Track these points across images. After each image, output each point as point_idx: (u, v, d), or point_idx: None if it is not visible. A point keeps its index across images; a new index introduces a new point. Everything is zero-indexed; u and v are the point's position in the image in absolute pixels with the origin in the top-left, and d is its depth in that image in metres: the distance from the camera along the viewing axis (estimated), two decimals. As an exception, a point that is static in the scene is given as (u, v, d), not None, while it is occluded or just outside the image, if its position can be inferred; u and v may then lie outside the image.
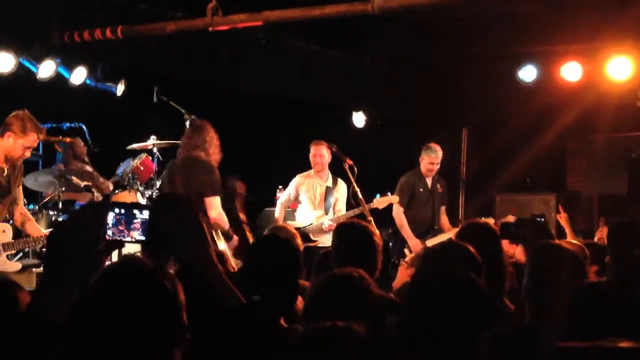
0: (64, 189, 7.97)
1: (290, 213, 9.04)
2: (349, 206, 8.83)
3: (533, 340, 3.34)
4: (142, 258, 2.27)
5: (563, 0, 7.81)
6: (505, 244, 6.42)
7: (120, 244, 2.25)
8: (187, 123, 8.73)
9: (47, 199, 8.13)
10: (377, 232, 5.23)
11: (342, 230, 4.97)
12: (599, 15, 8.49)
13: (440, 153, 9.35)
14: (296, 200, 8.98)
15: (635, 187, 10.94)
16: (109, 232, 2.18)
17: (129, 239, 2.21)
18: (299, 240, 5.99)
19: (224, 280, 2.21)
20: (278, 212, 8.99)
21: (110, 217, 2.18)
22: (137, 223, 2.20)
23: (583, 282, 3.56)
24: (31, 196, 8.39)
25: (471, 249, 3.85)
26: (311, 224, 8.70)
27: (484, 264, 3.77)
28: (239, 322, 2.21)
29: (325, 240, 8.71)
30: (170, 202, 2.24)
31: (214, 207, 7.03)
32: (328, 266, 4.82)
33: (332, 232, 8.68)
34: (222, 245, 6.96)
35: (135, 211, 2.22)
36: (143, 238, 2.22)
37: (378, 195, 8.70)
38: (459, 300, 2.59)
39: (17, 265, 6.82)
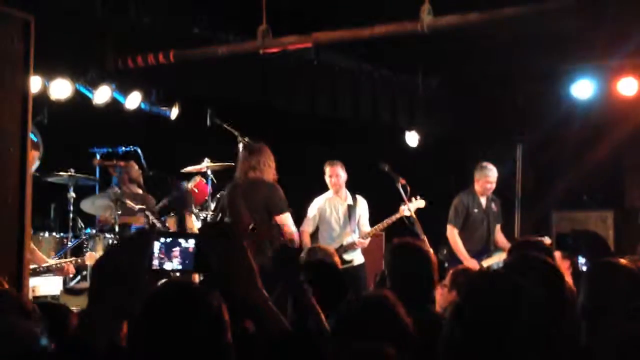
0: (120, 212, 8.07)
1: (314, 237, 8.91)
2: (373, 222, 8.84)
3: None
4: (186, 281, 2.31)
5: (608, 16, 7.69)
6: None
7: (166, 274, 2.25)
8: (240, 145, 8.80)
9: (102, 222, 8.24)
10: (431, 250, 5.19)
11: (397, 250, 4.93)
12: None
13: (495, 172, 9.20)
14: (320, 224, 8.88)
15: None
16: (155, 262, 2.18)
17: (174, 268, 2.21)
18: (336, 258, 5.97)
19: (269, 306, 2.20)
20: (303, 238, 8.69)
21: (157, 247, 2.18)
22: (182, 252, 2.20)
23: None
24: (89, 220, 8.52)
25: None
26: (342, 245, 8.61)
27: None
28: (286, 350, 2.20)
29: (357, 258, 8.66)
30: (216, 230, 2.24)
31: (287, 223, 7.35)
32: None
33: (360, 248, 8.70)
34: None
35: (181, 240, 2.21)
36: (189, 267, 2.22)
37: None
38: (508, 316, 2.53)
39: None
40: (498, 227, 9.40)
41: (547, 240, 8.76)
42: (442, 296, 5.00)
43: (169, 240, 2.19)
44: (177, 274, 2.34)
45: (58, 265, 7.15)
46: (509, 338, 2.47)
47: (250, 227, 7.49)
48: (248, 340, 2.34)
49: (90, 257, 7.25)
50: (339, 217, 8.79)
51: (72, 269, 7.32)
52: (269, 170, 7.49)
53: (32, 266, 6.90)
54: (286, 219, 7.37)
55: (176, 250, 2.19)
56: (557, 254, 5.91)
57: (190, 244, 2.19)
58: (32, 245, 7.14)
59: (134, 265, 2.07)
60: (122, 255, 2.09)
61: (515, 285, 2.68)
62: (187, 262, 2.20)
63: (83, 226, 8.22)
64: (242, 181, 7.52)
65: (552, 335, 3.43)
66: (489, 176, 9.15)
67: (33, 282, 6.87)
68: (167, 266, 2.19)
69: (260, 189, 7.41)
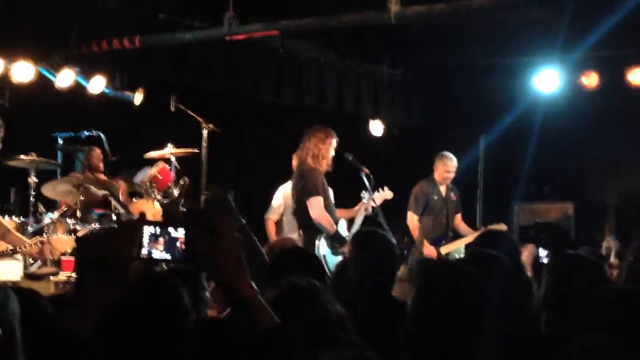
0: (82, 197, 8.01)
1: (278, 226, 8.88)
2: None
3: (549, 349, 3.31)
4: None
5: (571, 9, 7.78)
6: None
7: (155, 263, 2.24)
8: (204, 131, 8.76)
9: (64, 207, 8.16)
10: (395, 241, 5.21)
11: (360, 239, 4.94)
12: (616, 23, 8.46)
13: (455, 161, 9.31)
14: (285, 213, 8.78)
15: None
16: (144, 251, 2.17)
17: (163, 257, 2.20)
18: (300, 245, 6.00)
19: (258, 300, 2.20)
20: (268, 227, 8.78)
21: (146, 236, 2.17)
22: (172, 241, 2.19)
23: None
24: (50, 204, 8.43)
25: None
26: None
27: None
28: (274, 343, 2.20)
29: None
30: (204, 219, 2.23)
31: (311, 207, 7.45)
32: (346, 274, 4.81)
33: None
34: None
35: (171, 229, 2.20)
36: (178, 257, 2.21)
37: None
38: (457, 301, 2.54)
39: None
40: (459, 216, 9.52)
41: (503, 226, 8.92)
42: (399, 289, 5.01)
43: (158, 229, 2.18)
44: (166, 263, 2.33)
45: (34, 245, 7.01)
46: (465, 326, 2.50)
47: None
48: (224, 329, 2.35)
49: (57, 241, 7.15)
50: None
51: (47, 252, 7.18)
52: (308, 157, 7.63)
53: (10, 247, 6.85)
54: (310, 203, 7.46)
55: (165, 240, 2.17)
56: (530, 248, 5.97)
57: (180, 233, 2.18)
58: (7, 225, 7.08)
59: (122, 253, 2.06)
60: (110, 244, 2.08)
61: (468, 275, 2.71)
62: (176, 252, 2.19)
63: (44, 211, 8.13)
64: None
65: (515, 325, 3.48)
66: (447, 165, 9.28)
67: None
68: (156, 255, 2.18)
69: (297, 175, 7.70)
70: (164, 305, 2.24)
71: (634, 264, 4.82)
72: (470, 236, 9.05)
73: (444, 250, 9.05)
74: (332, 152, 7.69)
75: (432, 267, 2.99)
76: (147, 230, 2.15)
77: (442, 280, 2.65)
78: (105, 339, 2.10)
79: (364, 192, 8.25)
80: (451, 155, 9.33)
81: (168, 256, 2.18)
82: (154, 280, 2.29)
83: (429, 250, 8.92)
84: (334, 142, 7.71)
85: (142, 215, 2.16)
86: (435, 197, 9.31)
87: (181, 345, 2.24)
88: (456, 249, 9.05)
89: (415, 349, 2.48)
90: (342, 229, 7.90)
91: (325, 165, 7.65)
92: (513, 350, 3.05)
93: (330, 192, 8.63)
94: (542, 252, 6.15)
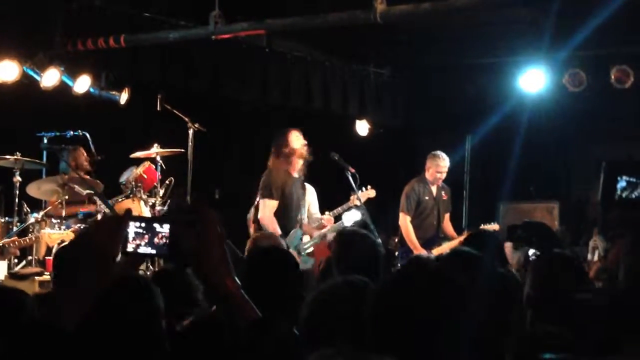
0: (67, 197, 7.99)
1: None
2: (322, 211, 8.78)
3: (533, 348, 3.32)
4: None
5: (556, 9, 7.80)
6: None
7: (141, 258, 2.24)
8: (190, 131, 8.75)
9: (50, 207, 8.14)
10: (379, 240, 5.20)
11: (344, 238, 4.95)
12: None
13: (447, 161, 9.16)
14: None
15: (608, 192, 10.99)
16: (129, 246, 2.18)
17: (148, 252, 2.20)
18: (282, 242, 6.02)
19: (241, 294, 2.21)
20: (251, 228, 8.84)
21: (131, 231, 2.17)
22: (157, 237, 2.19)
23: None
24: (35, 204, 8.40)
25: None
26: None
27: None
28: (258, 336, 2.20)
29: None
30: (190, 214, 2.23)
31: (260, 209, 7.74)
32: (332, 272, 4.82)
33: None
34: None
35: (156, 225, 2.20)
36: (163, 252, 2.21)
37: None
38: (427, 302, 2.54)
39: None
40: (447, 216, 9.43)
41: (495, 226, 8.87)
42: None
43: (143, 224, 2.18)
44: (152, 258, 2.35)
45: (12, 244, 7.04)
46: (434, 324, 2.50)
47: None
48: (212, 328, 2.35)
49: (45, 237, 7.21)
50: None
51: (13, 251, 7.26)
52: (273, 156, 7.92)
53: None
54: (260, 203, 7.73)
55: (151, 235, 2.18)
56: (507, 247, 5.98)
57: (165, 229, 2.18)
58: None
59: (106, 249, 2.06)
60: (94, 239, 2.07)
61: (440, 273, 2.71)
62: (161, 247, 2.19)
63: (29, 210, 8.11)
64: None
65: (493, 324, 3.49)
66: (440, 165, 9.14)
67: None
68: (141, 250, 2.18)
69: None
70: (135, 306, 2.24)
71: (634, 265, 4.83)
72: (460, 238, 9.02)
73: (435, 252, 8.94)
74: (299, 143, 7.91)
75: (403, 265, 3.01)
76: (133, 226, 2.16)
77: (412, 278, 2.66)
78: (83, 337, 2.10)
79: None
80: (444, 155, 9.19)
81: (153, 251, 2.19)
82: (127, 282, 2.29)
83: (420, 252, 8.85)
84: (295, 134, 7.94)
85: (128, 211, 2.15)
86: (427, 197, 9.18)
87: (152, 345, 2.24)
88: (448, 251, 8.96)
89: (382, 346, 2.48)
90: (294, 237, 7.93)
91: (296, 161, 7.91)
92: (492, 350, 3.06)
93: (310, 193, 8.54)
94: (530, 250, 6.16)
